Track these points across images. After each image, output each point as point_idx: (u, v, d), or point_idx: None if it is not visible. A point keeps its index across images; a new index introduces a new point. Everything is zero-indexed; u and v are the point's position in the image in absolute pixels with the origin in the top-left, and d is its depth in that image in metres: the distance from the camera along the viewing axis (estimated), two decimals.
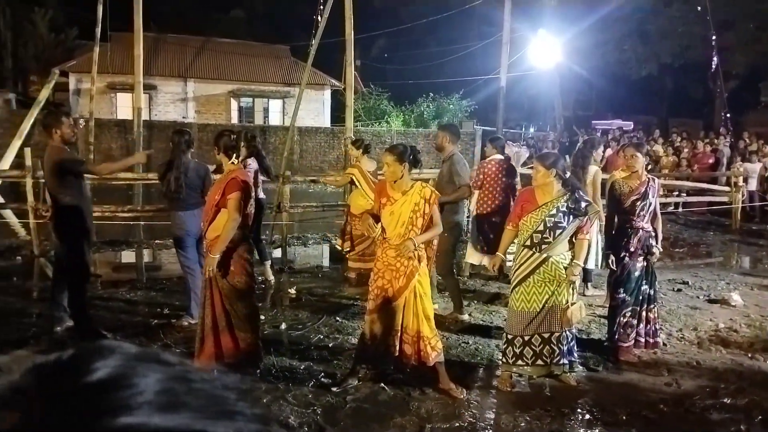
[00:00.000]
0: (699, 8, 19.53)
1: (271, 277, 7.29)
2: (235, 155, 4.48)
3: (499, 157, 6.86)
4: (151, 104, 25.09)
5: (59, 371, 0.44)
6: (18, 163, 15.09)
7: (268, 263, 7.34)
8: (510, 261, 4.85)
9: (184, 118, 25.31)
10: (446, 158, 5.96)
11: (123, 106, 24.22)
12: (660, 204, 14.34)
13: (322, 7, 15.52)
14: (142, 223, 10.09)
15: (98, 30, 17.66)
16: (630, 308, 5.07)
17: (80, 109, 22.87)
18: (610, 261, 5.11)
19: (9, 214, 10.93)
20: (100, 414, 0.40)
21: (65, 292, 5.13)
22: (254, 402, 0.48)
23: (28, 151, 8.65)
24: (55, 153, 4.93)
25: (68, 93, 24.81)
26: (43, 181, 6.63)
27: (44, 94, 18.79)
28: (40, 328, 5.32)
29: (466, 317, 5.95)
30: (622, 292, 5.06)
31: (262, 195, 6.86)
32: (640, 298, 5.12)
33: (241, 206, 4.27)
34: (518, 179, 11.42)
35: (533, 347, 4.35)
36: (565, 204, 4.27)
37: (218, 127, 22.61)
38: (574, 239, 4.38)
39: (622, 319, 5.05)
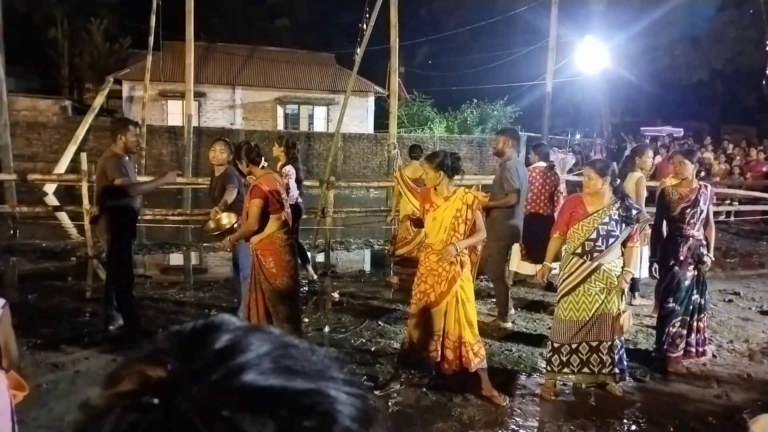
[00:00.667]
0: (752, 11, 18.99)
1: (314, 276, 7.45)
2: (263, 159, 4.62)
3: (543, 164, 6.81)
4: (200, 111, 25.69)
5: (194, 336, 0.51)
6: (73, 167, 15.69)
7: (309, 264, 7.49)
8: (555, 269, 4.79)
9: (231, 124, 25.82)
10: (502, 163, 5.92)
11: (173, 113, 24.90)
12: (712, 212, 13.84)
13: (367, 15, 15.68)
14: (191, 226, 10.35)
15: (151, 39, 18.22)
16: (680, 318, 4.96)
17: (133, 116, 23.48)
18: (653, 269, 5.01)
19: (64, 217, 11.33)
20: (232, 372, 0.46)
21: (131, 286, 5.32)
22: (349, 372, 0.54)
23: (84, 155, 8.97)
24: (108, 158, 5.06)
25: (121, 100, 25.62)
26: None
27: (98, 101, 19.49)
28: (93, 326, 5.50)
29: (509, 325, 5.91)
30: (671, 301, 4.96)
31: (300, 199, 6.91)
32: (691, 307, 5.01)
33: (260, 213, 4.37)
34: (563, 186, 11.30)
35: (580, 355, 4.29)
36: (617, 212, 4.21)
37: (265, 134, 23.06)
38: (623, 247, 4.33)
39: (671, 329, 4.95)
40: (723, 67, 25.13)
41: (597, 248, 4.19)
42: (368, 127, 27.23)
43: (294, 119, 27.47)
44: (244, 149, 4.57)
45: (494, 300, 6.35)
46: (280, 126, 26.76)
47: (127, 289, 5.19)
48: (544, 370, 4.51)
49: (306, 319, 5.70)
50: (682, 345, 4.99)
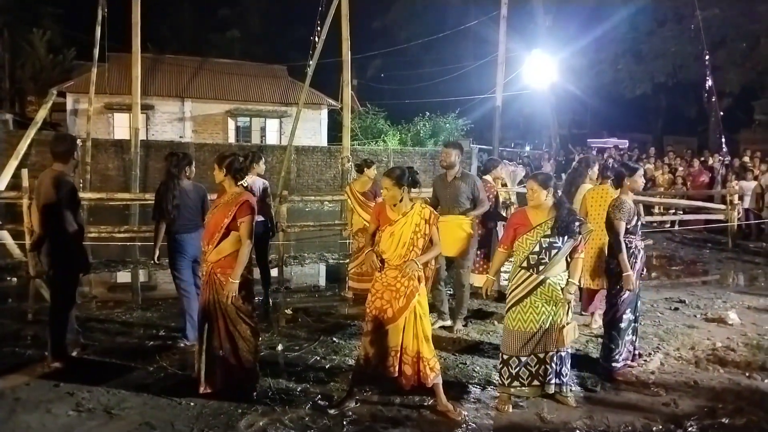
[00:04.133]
0: (693, 27, 19.78)
1: (269, 301, 7.21)
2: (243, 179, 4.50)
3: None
4: (149, 124, 25.18)
5: None
6: (14, 183, 15.12)
7: (269, 288, 7.27)
8: (505, 280, 4.85)
9: (181, 137, 25.37)
10: (458, 174, 6.15)
11: (120, 126, 24.30)
12: (657, 222, 14.29)
13: (319, 28, 15.67)
14: (138, 243, 10.08)
15: (96, 51, 17.80)
16: (632, 326, 5.13)
17: (77, 130, 22.91)
18: (631, 282, 5.06)
19: (5, 235, 10.90)
20: None
21: (71, 312, 5.09)
22: None
23: (25, 172, 8.65)
24: (62, 180, 4.80)
25: (65, 113, 24.88)
26: None
27: (41, 114, 18.89)
28: (35, 351, 5.26)
29: (460, 327, 6.14)
30: (629, 312, 5.07)
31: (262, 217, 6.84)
32: (637, 314, 5.19)
33: (252, 229, 4.31)
34: (515, 198, 11.49)
35: (529, 368, 4.34)
36: (558, 223, 4.28)
37: (216, 147, 22.74)
38: (569, 258, 4.39)
39: (626, 338, 5.07)
40: (665, 81, 26.05)
41: (541, 261, 4.26)
42: (322, 140, 27.16)
43: (246, 132, 27.17)
44: (228, 160, 4.45)
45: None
46: (232, 139, 26.44)
47: (68, 313, 5.00)
48: (497, 383, 4.53)
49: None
50: (633, 350, 5.15)
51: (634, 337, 5.16)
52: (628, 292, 5.03)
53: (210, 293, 4.34)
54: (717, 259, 11.25)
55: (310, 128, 26.59)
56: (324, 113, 27.53)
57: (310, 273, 9.76)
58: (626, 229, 5.08)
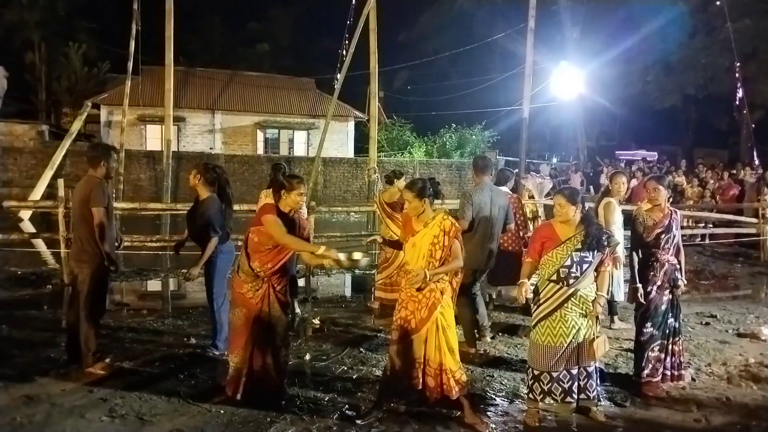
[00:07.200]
0: (721, 38, 19.54)
1: (297, 311, 7.27)
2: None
3: (505, 189, 6.95)
4: (180, 135, 25.63)
5: None
6: (49, 192, 15.48)
7: (296, 298, 7.33)
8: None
9: (211, 149, 25.77)
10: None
11: (152, 138, 24.81)
12: (687, 235, 14.04)
13: (347, 42, 15.83)
14: (169, 252, 10.24)
15: (130, 64, 18.18)
16: (658, 342, 5.01)
17: (111, 141, 23.41)
18: (639, 295, 5.03)
19: (40, 243, 11.16)
20: None
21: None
22: None
23: (61, 182, 8.86)
24: (96, 184, 4.95)
25: (99, 125, 25.46)
26: None
27: (76, 125, 19.35)
28: (72, 356, 5.38)
29: (472, 351, 5.85)
30: (650, 326, 5.01)
31: None
32: (667, 331, 5.07)
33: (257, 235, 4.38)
34: (542, 210, 11.44)
35: (562, 384, 4.27)
36: (588, 238, 4.26)
37: (245, 158, 23.05)
38: (596, 271, 4.37)
39: (650, 353, 4.99)
40: (695, 93, 25.72)
41: (572, 274, 4.23)
42: (348, 152, 27.37)
43: (274, 143, 27.52)
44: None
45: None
46: (260, 150, 26.79)
47: (97, 321, 5.09)
48: (527, 398, 4.50)
49: None
50: (662, 369, 5.03)
51: (662, 355, 5.02)
52: (643, 305, 4.99)
53: (263, 303, 4.40)
54: (749, 274, 11.04)
55: (337, 140, 26.81)
56: (351, 125, 27.75)
57: (337, 283, 9.81)
58: (646, 241, 5.02)
